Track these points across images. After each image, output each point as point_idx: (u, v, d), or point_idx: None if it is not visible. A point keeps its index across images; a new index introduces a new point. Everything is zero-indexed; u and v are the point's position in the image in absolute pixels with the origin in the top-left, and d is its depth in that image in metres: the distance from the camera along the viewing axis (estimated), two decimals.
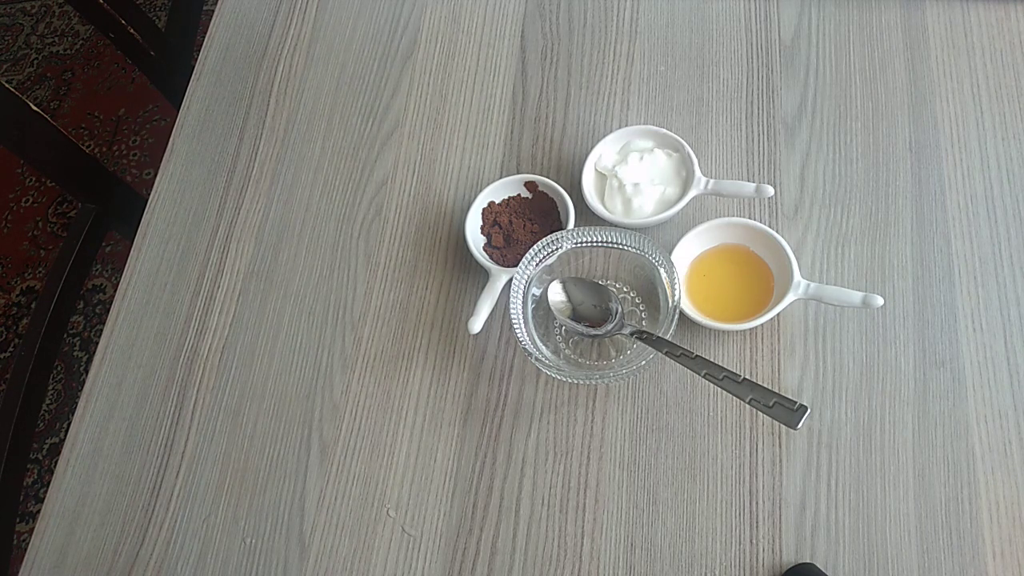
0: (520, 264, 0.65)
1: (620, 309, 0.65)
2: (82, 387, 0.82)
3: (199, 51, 0.89)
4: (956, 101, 0.73)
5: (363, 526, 0.64)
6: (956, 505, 0.59)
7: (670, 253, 0.66)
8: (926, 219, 0.69)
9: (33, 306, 1.66)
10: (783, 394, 0.58)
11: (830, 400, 0.63)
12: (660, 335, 0.61)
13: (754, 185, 0.66)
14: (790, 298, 0.63)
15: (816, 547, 0.59)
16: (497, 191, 0.72)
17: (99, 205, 1.01)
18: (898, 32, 0.77)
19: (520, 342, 0.62)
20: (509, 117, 0.79)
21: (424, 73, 0.83)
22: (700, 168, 0.69)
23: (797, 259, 0.64)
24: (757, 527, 0.60)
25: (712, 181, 0.68)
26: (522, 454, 0.65)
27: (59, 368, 1.59)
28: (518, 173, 0.75)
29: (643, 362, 0.61)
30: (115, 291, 0.80)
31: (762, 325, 0.64)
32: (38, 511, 0.71)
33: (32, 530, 0.69)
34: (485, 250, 0.71)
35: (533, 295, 0.67)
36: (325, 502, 0.66)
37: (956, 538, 0.58)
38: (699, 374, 0.58)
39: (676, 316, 0.61)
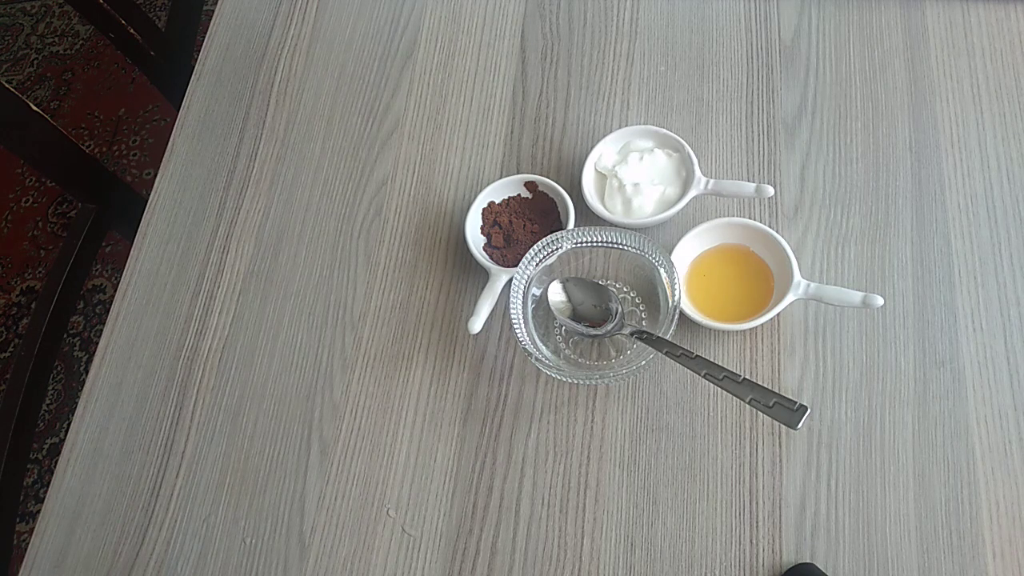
0: (520, 264, 0.65)
1: (620, 309, 0.65)
2: (82, 387, 0.82)
3: (199, 51, 0.89)
4: (956, 101, 0.73)
5: (363, 526, 0.64)
6: (956, 505, 0.59)
7: (670, 253, 0.66)
8: (926, 219, 0.69)
9: (33, 306, 1.66)
10: (783, 394, 0.58)
11: (830, 400, 0.63)
12: (660, 335, 0.61)
13: (754, 185, 0.66)
14: (790, 298, 0.63)
15: (816, 547, 0.59)
16: (497, 191, 0.72)
17: (99, 205, 1.01)
18: (898, 32, 0.77)
19: (520, 342, 0.62)
20: (509, 117, 0.79)
21: (424, 73, 0.83)
22: (700, 168, 0.69)
23: (797, 259, 0.64)
24: (757, 527, 0.60)
25: (712, 181, 0.68)
26: (522, 454, 0.65)
27: (59, 368, 1.59)
28: (518, 173, 0.75)
29: (643, 362, 0.61)
30: (115, 291, 0.80)
31: (762, 325, 0.64)
32: (38, 511, 0.71)
33: (32, 530, 0.69)
34: (485, 250, 0.71)
35: (533, 295, 0.67)
36: (325, 502, 0.66)
37: (956, 538, 0.58)
38: (699, 374, 0.58)
39: (676, 316, 0.61)
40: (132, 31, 1.11)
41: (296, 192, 0.79)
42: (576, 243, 0.65)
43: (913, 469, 0.61)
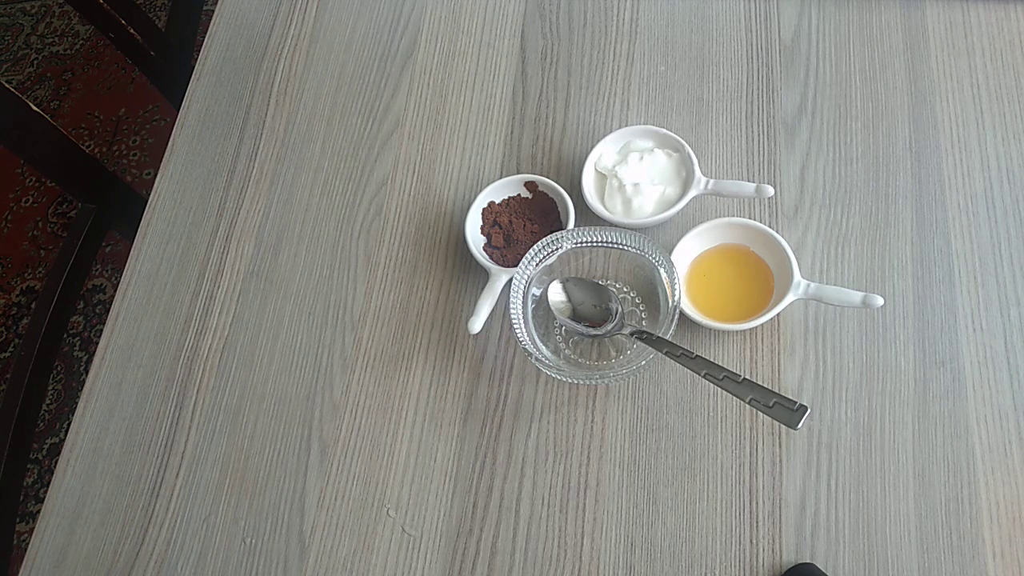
0: (520, 264, 0.65)
1: (620, 309, 0.65)
2: (82, 387, 0.82)
3: (199, 51, 0.89)
4: (956, 101, 0.73)
5: (363, 526, 0.64)
6: (956, 505, 0.59)
7: (670, 253, 0.66)
8: (926, 219, 0.69)
9: (33, 306, 1.66)
10: (783, 394, 0.58)
11: (830, 400, 0.63)
12: (660, 335, 0.61)
13: (754, 185, 0.66)
14: (790, 298, 0.63)
15: (816, 547, 0.59)
16: (497, 191, 0.72)
17: (99, 205, 1.01)
18: (898, 32, 0.77)
19: (520, 342, 0.62)
20: (509, 117, 0.79)
21: (424, 73, 0.83)
22: (700, 168, 0.69)
23: (797, 259, 0.64)
24: (757, 527, 0.60)
25: (712, 181, 0.68)
26: (522, 454, 0.65)
27: (59, 368, 1.59)
28: (518, 173, 0.75)
29: (643, 362, 0.61)
30: (115, 291, 0.80)
31: (762, 325, 0.64)
32: (38, 511, 0.71)
33: (32, 530, 0.69)
34: (485, 250, 0.71)
35: (533, 295, 0.67)
36: (325, 502, 0.66)
37: (956, 538, 0.58)
38: (699, 374, 0.58)
39: (676, 316, 0.61)
40: (132, 31, 1.11)
41: (296, 192, 0.79)
42: (576, 243, 0.65)
43: (913, 469, 0.61)
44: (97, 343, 0.78)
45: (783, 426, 0.63)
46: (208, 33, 0.90)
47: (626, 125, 0.76)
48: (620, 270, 0.69)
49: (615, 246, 0.65)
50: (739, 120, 0.75)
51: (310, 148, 0.81)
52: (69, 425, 0.74)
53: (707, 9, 0.81)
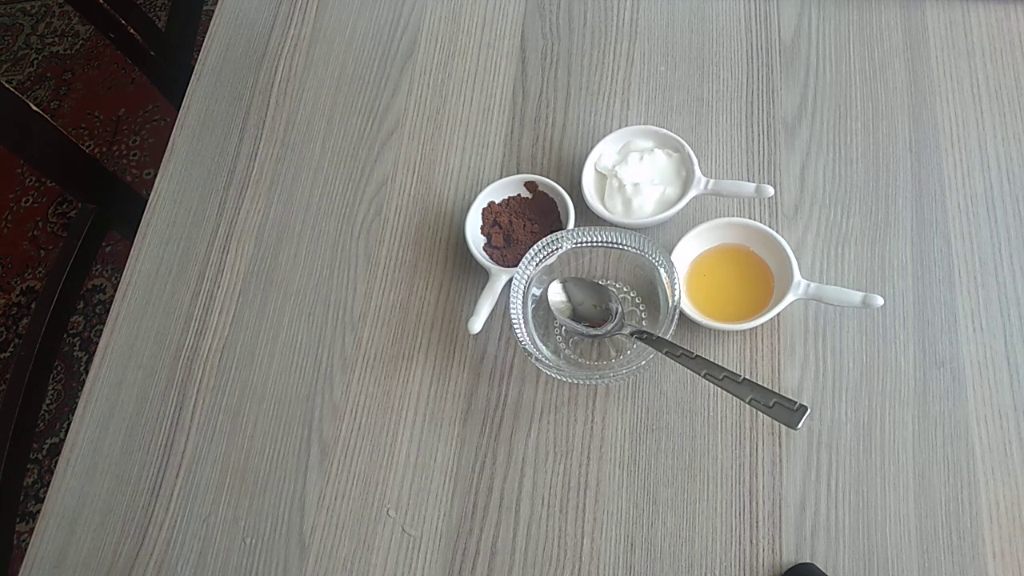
0: (520, 264, 0.65)
1: (620, 309, 0.65)
2: (82, 387, 0.82)
3: (199, 51, 0.89)
4: (956, 101, 0.73)
5: (363, 526, 0.64)
6: (956, 505, 0.59)
7: (670, 253, 0.66)
8: (926, 219, 0.69)
9: (33, 306, 1.66)
10: (783, 394, 0.58)
11: (830, 400, 0.63)
12: (660, 335, 0.61)
13: (754, 185, 0.66)
14: (790, 298, 0.63)
15: (816, 547, 0.59)
16: (497, 191, 0.72)
17: (99, 205, 1.01)
18: (898, 32, 0.77)
19: (520, 342, 0.62)
20: (509, 117, 0.79)
21: (424, 73, 0.83)
22: (700, 168, 0.69)
23: (797, 259, 0.64)
24: (757, 527, 0.60)
25: (712, 181, 0.68)
26: (522, 454, 0.65)
27: (59, 368, 1.59)
28: (518, 173, 0.75)
29: (643, 362, 0.61)
30: (115, 291, 0.80)
31: (762, 325, 0.64)
32: (38, 511, 0.71)
33: (32, 530, 0.69)
34: (485, 250, 0.71)
35: (533, 295, 0.67)
36: (325, 502, 0.66)
37: (956, 538, 0.58)
38: (699, 374, 0.58)
39: (676, 316, 0.61)
40: (132, 31, 1.11)
41: (296, 192, 0.79)
42: (576, 243, 0.65)
43: (913, 469, 0.61)
44: (97, 343, 0.78)
45: (783, 426, 0.63)
46: (208, 33, 0.90)
47: (626, 125, 0.76)
48: (620, 270, 0.69)
49: (615, 246, 0.65)
50: (739, 120, 0.75)
51: (310, 148, 0.81)
52: (69, 425, 0.74)
53: (707, 9, 0.81)
